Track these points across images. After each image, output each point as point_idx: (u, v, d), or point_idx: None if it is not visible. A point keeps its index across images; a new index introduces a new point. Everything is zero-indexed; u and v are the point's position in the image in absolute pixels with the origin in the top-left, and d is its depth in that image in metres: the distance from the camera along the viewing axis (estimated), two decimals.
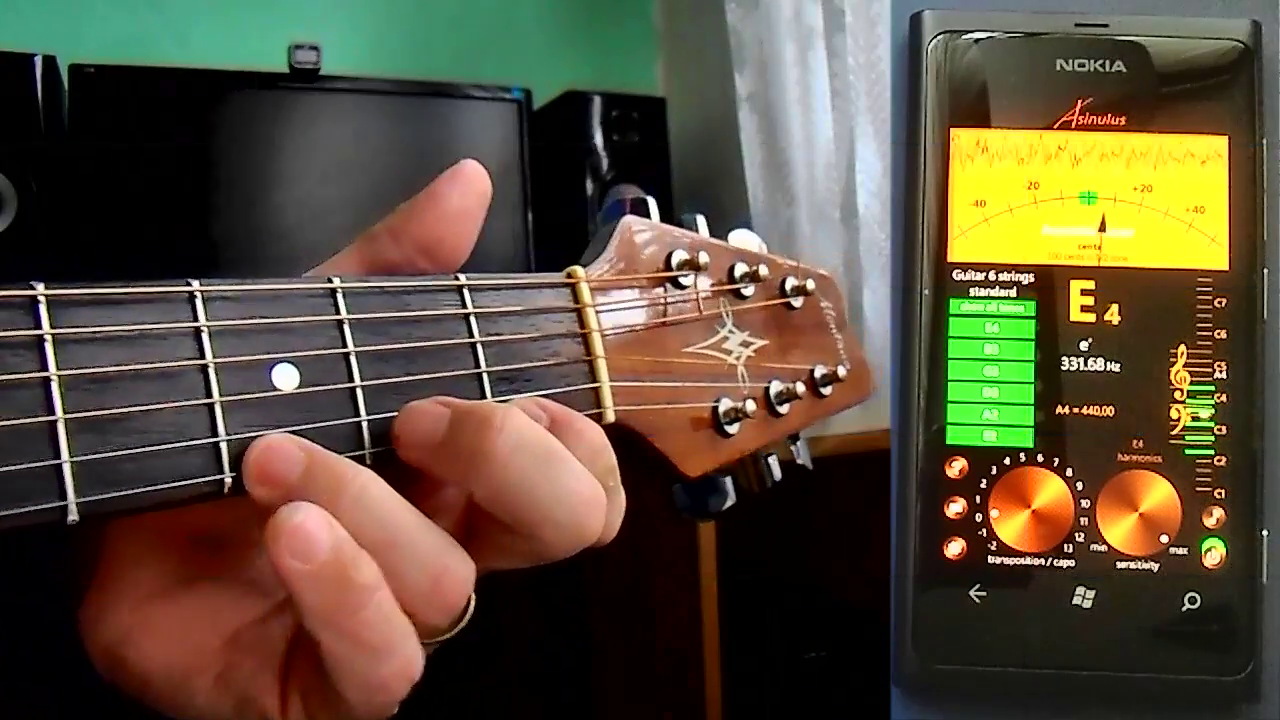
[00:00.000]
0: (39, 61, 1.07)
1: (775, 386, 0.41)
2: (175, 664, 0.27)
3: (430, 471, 0.27)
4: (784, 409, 0.42)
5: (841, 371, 0.46)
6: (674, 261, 0.38)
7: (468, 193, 0.31)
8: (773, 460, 0.44)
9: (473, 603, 0.28)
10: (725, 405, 0.38)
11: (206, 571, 0.28)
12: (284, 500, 0.24)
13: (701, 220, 0.41)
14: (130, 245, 1.17)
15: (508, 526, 0.27)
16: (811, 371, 0.44)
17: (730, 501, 0.42)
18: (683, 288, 0.38)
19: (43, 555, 0.30)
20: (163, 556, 0.28)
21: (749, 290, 0.41)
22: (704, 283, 0.39)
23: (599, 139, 1.33)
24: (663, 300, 0.37)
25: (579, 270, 0.34)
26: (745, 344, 0.41)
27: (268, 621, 0.28)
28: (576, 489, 0.27)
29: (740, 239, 0.44)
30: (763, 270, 0.42)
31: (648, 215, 0.38)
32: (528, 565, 0.29)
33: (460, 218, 0.31)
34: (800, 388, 0.42)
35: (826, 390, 0.45)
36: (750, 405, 0.39)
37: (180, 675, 0.27)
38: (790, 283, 0.44)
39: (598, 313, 0.34)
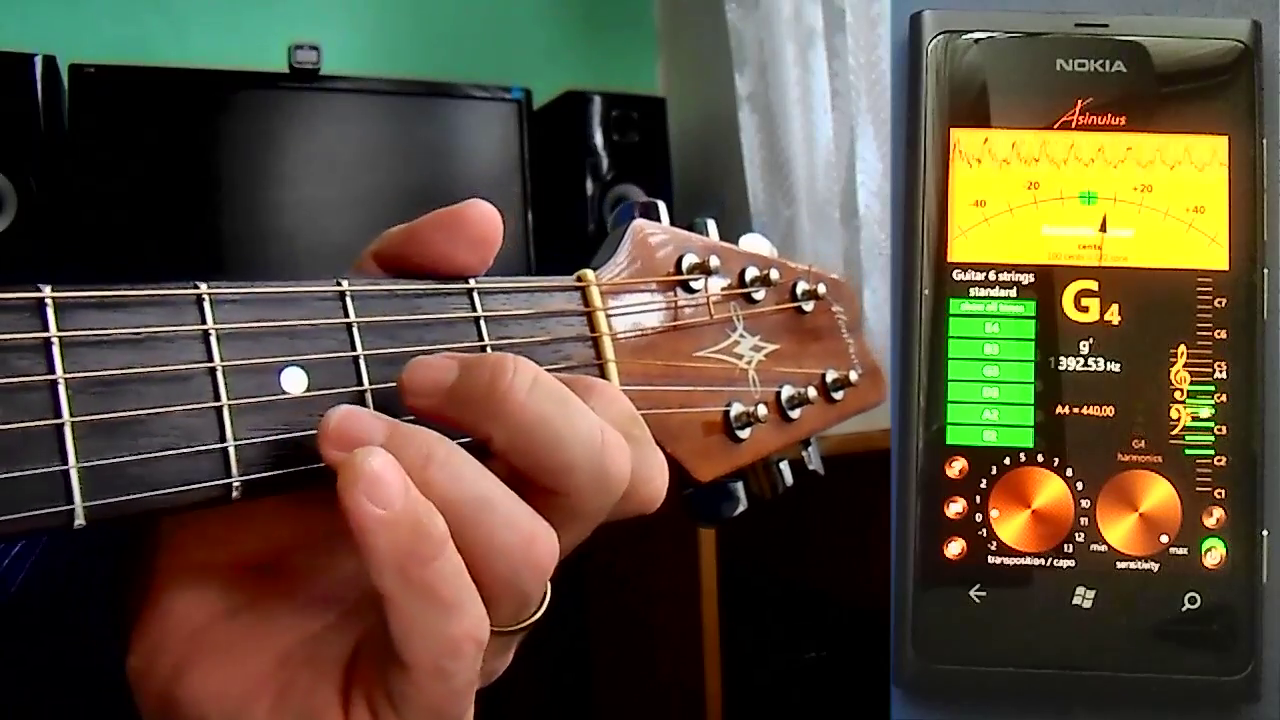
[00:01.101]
0: (39, 61, 1.07)
1: (786, 391, 0.41)
2: (230, 694, 0.26)
3: (444, 419, 0.26)
4: (795, 414, 0.41)
5: (853, 376, 0.45)
6: (685, 265, 0.37)
7: (455, 235, 0.30)
8: (784, 466, 0.44)
9: (549, 589, 0.27)
10: (737, 410, 0.38)
11: (252, 598, 0.28)
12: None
13: (712, 224, 0.41)
14: (130, 245, 1.17)
15: (536, 487, 0.27)
16: (823, 376, 0.44)
17: (742, 507, 0.42)
18: (694, 291, 0.38)
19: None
20: (207, 590, 0.27)
21: (760, 294, 0.41)
22: (715, 286, 0.39)
23: (599, 139, 1.33)
24: (674, 304, 0.37)
25: (589, 273, 0.34)
26: (756, 348, 0.40)
27: (320, 638, 0.27)
28: (595, 426, 0.27)
29: (751, 243, 0.43)
30: (774, 274, 0.41)
31: (658, 219, 0.38)
32: (568, 543, 0.28)
33: (434, 256, 0.30)
34: (812, 392, 0.42)
35: (838, 395, 0.44)
36: (762, 410, 0.38)
37: (235, 706, 0.26)
38: (801, 287, 0.44)
39: (608, 316, 0.34)
